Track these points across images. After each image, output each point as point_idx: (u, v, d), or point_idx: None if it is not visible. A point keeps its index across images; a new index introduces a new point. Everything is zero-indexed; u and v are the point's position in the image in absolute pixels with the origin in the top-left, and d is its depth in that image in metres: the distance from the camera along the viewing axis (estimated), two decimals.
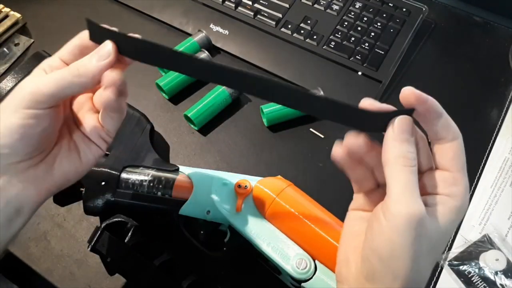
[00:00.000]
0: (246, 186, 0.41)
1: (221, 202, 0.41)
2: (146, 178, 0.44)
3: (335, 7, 0.62)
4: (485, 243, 0.46)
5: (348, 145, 0.28)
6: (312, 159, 0.53)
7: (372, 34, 0.59)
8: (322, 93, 0.53)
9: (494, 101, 0.56)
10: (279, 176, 0.44)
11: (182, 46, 0.58)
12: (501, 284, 0.44)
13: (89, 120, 0.33)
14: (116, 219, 0.43)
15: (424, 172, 0.28)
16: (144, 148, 0.48)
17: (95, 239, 0.41)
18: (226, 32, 0.62)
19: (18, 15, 0.63)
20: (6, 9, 0.63)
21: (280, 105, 0.53)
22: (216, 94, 0.54)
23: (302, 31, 0.60)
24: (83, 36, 0.31)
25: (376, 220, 0.26)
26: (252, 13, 0.62)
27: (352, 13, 0.61)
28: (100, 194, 0.43)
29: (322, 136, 0.54)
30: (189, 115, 0.53)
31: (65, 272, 0.46)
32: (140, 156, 0.47)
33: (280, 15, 0.61)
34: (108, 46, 0.30)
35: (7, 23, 0.62)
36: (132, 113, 0.50)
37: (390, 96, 0.56)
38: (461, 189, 0.27)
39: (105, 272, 0.44)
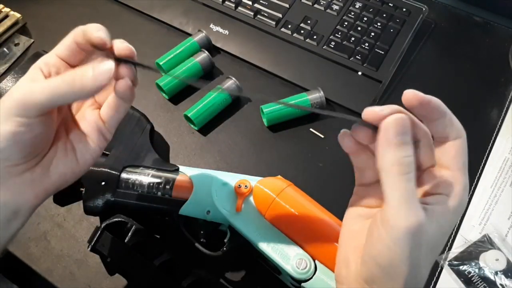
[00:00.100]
0: (246, 186, 0.41)
1: (221, 202, 0.41)
2: (146, 178, 0.44)
3: (335, 7, 0.62)
4: (485, 243, 0.46)
5: (354, 134, 0.28)
6: (312, 159, 0.53)
7: (372, 34, 0.59)
8: (322, 93, 0.53)
9: (494, 101, 0.56)
10: (279, 176, 0.44)
11: (182, 46, 0.58)
12: (501, 284, 0.44)
13: (90, 116, 0.33)
14: (116, 219, 0.43)
15: (425, 170, 0.28)
16: (144, 148, 0.47)
17: (95, 239, 0.41)
18: (226, 32, 0.62)
19: (18, 15, 0.63)
20: (6, 9, 0.63)
21: (280, 105, 0.53)
22: (216, 94, 0.54)
23: (302, 31, 0.60)
24: (78, 31, 0.30)
25: (376, 228, 0.26)
26: (252, 13, 0.62)
27: (352, 13, 0.61)
28: (100, 194, 0.43)
29: (322, 136, 0.54)
30: (189, 115, 0.53)
31: (65, 272, 0.46)
32: (140, 156, 0.47)
33: (280, 15, 0.61)
34: (109, 65, 0.29)
35: (7, 23, 0.62)
36: (132, 113, 0.50)
37: (390, 96, 0.56)
38: (459, 188, 0.27)
39: (105, 272, 0.44)
